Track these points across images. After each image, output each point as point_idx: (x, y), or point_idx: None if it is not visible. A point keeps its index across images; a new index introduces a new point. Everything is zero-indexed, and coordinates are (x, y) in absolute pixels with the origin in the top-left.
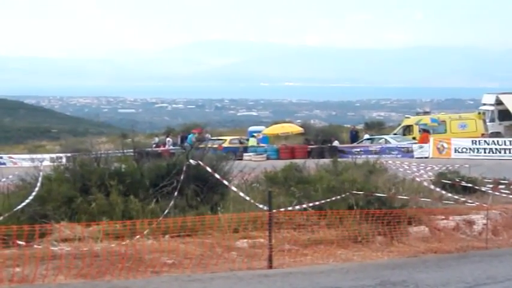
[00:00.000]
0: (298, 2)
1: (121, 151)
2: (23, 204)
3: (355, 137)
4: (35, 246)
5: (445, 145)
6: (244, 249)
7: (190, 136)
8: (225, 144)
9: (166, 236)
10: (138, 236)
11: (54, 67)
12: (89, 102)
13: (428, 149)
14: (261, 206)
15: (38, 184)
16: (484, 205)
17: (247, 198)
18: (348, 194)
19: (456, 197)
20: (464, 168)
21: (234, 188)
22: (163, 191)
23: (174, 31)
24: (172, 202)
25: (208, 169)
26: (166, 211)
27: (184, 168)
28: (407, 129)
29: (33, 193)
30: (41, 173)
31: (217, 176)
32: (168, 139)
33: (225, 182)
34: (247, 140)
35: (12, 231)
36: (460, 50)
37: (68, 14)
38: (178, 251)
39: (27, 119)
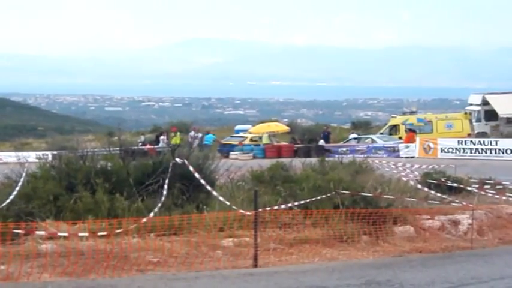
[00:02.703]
0: (286, 0)
1: (107, 149)
2: (7, 201)
3: (326, 137)
4: (23, 243)
5: (432, 145)
6: (230, 248)
7: (209, 136)
8: (246, 142)
9: (152, 235)
10: (120, 230)
11: (41, 65)
12: (76, 100)
13: (414, 149)
14: (242, 210)
15: (20, 182)
16: (470, 205)
17: (227, 203)
18: (333, 193)
19: (442, 196)
20: (450, 168)
21: (214, 193)
22: (149, 190)
23: (161, 29)
24: (163, 199)
25: (191, 169)
26: (153, 213)
27: (170, 167)
28: (394, 129)
29: (15, 191)
30: (25, 170)
31: (202, 181)
32: (162, 137)
33: (208, 187)
34: (260, 138)
35: None
36: (447, 50)
37: (56, 11)
38: (164, 250)
39: (14, 117)
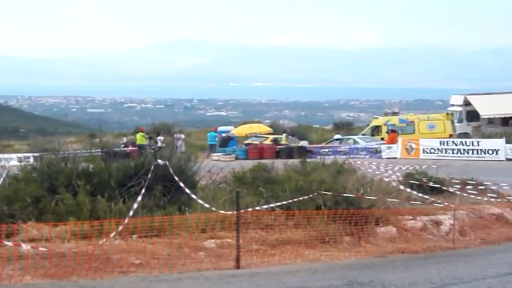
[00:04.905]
0: (267, 2)
1: (89, 151)
2: None
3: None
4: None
5: (413, 145)
6: (212, 249)
7: (211, 135)
8: (267, 142)
9: (134, 236)
10: (104, 238)
11: (22, 66)
12: (58, 102)
13: (396, 150)
14: (222, 211)
15: None
16: (452, 205)
17: (207, 205)
18: (315, 194)
19: (424, 197)
20: (432, 168)
21: (193, 196)
22: (131, 191)
23: (143, 31)
24: (139, 198)
25: (171, 171)
26: (133, 211)
27: (152, 168)
28: (376, 130)
29: None
30: (6, 172)
31: (181, 184)
32: (159, 138)
33: (187, 191)
34: (280, 138)
35: None
36: (429, 51)
37: (37, 12)
38: (146, 251)
39: None
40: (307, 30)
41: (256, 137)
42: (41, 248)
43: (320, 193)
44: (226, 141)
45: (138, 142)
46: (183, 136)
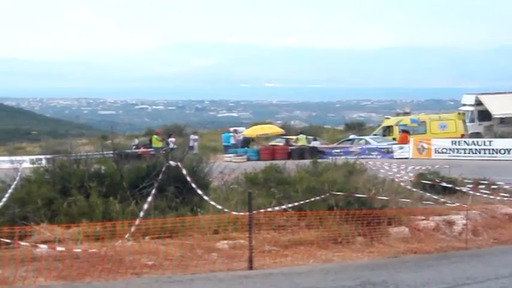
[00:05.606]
0: (278, 3)
1: (101, 153)
2: None
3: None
4: (18, 247)
5: (425, 145)
6: (225, 250)
7: (226, 136)
8: (293, 143)
9: (147, 238)
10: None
11: (34, 69)
12: (69, 104)
13: (408, 150)
14: (234, 212)
15: (13, 185)
16: (464, 205)
17: (219, 207)
18: (328, 194)
19: (436, 197)
20: (444, 168)
21: (205, 197)
22: (143, 193)
23: (154, 32)
24: (150, 199)
25: (184, 172)
26: (144, 212)
27: (163, 170)
28: (388, 130)
29: (7, 194)
30: (19, 174)
31: (193, 185)
32: (170, 139)
33: (199, 192)
34: (296, 139)
35: None
36: (441, 51)
37: (48, 15)
38: (159, 253)
39: (7, 121)
40: (318, 30)
41: (280, 138)
42: (55, 249)
43: (332, 193)
44: (247, 142)
45: (153, 144)
46: (197, 137)
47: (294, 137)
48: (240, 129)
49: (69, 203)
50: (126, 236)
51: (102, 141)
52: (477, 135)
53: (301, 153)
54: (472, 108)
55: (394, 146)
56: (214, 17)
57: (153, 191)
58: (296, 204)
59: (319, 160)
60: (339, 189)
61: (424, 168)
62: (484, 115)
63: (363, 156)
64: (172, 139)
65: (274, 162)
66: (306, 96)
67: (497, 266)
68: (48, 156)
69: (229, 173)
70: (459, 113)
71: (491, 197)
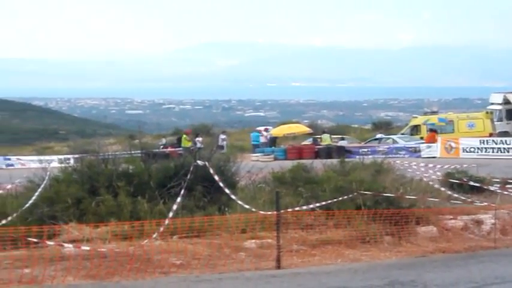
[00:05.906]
0: (305, 2)
1: (129, 152)
2: (28, 204)
3: (273, 141)
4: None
5: (453, 145)
6: (252, 249)
7: (254, 135)
8: (324, 143)
9: (175, 237)
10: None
11: (62, 69)
12: (97, 104)
13: (436, 149)
14: (262, 212)
15: (42, 185)
16: (493, 205)
17: (247, 206)
18: (355, 194)
19: (464, 197)
20: (472, 167)
21: (233, 197)
22: (171, 192)
23: (181, 32)
24: (179, 200)
25: (211, 171)
26: (172, 212)
27: (191, 169)
28: (415, 129)
29: (36, 193)
30: (48, 174)
31: (221, 184)
32: (197, 139)
33: (227, 191)
34: (320, 138)
35: (21, 232)
36: (468, 49)
37: (75, 15)
38: (187, 252)
39: (35, 121)
40: (345, 29)
41: (313, 138)
42: (83, 248)
43: (360, 193)
44: (274, 142)
45: (182, 144)
46: (225, 136)
47: (318, 137)
48: (269, 128)
49: (97, 203)
50: (154, 235)
51: (129, 141)
52: (505, 134)
53: (328, 152)
54: (500, 107)
55: (421, 145)
56: (241, 16)
57: (183, 191)
58: (324, 203)
59: (347, 159)
60: (366, 188)
61: (452, 167)
62: None
63: (390, 156)
64: (199, 139)
65: (301, 161)
66: (333, 96)
67: None
68: (77, 156)
69: (256, 172)
70: (487, 112)
71: None
